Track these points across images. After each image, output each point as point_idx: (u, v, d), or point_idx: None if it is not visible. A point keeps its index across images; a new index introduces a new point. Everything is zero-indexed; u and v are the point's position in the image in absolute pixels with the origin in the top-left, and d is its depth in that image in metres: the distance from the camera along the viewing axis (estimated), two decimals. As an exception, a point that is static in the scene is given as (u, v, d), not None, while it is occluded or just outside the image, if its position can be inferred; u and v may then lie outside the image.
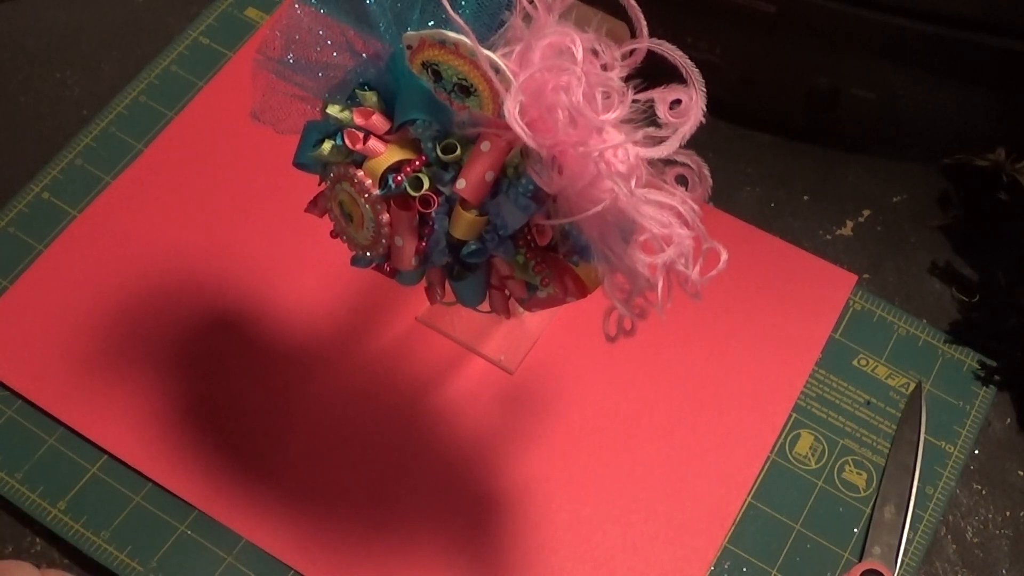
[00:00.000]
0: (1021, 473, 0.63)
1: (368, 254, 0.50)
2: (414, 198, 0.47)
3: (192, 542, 0.60)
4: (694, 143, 0.43)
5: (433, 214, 0.47)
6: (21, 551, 0.60)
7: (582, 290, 0.48)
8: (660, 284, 0.44)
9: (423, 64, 0.45)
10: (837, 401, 0.64)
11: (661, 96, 0.43)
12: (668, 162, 0.44)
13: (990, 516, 0.62)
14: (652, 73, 0.44)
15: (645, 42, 0.44)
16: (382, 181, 0.47)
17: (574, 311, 0.54)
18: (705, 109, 0.43)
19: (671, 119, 0.43)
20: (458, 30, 0.43)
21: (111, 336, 0.65)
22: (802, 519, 0.61)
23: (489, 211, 0.46)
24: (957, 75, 0.66)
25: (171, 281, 0.67)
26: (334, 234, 0.53)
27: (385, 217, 0.48)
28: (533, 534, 0.60)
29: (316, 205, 0.53)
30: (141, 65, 0.75)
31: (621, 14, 0.44)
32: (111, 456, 0.62)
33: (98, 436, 0.62)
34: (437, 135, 0.46)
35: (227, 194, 0.70)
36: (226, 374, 0.64)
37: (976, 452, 0.63)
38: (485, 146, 0.45)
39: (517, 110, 0.42)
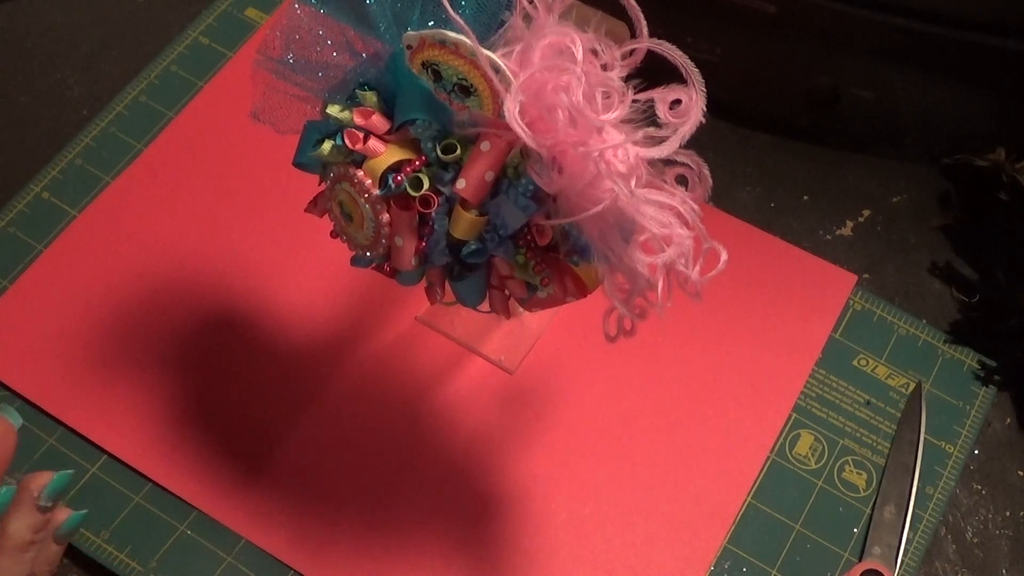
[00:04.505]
0: (1021, 473, 0.63)
1: (368, 254, 0.50)
2: (414, 198, 0.47)
3: (192, 542, 0.60)
4: (694, 143, 0.43)
5: (433, 214, 0.47)
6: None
7: (582, 290, 0.48)
8: (660, 284, 0.44)
9: (423, 64, 0.45)
10: (837, 401, 0.64)
11: (661, 96, 0.43)
12: (668, 162, 0.44)
13: (990, 516, 0.62)
14: (652, 73, 0.44)
15: (645, 42, 0.44)
16: (382, 181, 0.47)
17: (574, 311, 0.54)
18: (705, 109, 0.43)
19: (671, 119, 0.43)
20: (458, 30, 0.43)
21: (111, 336, 0.65)
22: (802, 519, 0.61)
23: (489, 211, 0.46)
24: (957, 75, 0.66)
25: (171, 281, 0.67)
26: (334, 234, 0.53)
27: (385, 217, 0.48)
28: (533, 534, 0.60)
29: (316, 205, 0.53)
30: (141, 65, 0.76)
31: (621, 14, 0.44)
32: (111, 456, 0.62)
33: (98, 436, 0.62)
34: (437, 135, 0.46)
35: (227, 194, 0.70)
36: (226, 374, 0.64)
37: (976, 452, 0.64)
38: (485, 146, 0.45)
39: (517, 110, 0.42)
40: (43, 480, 0.51)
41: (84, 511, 0.55)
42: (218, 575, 0.59)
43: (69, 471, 0.52)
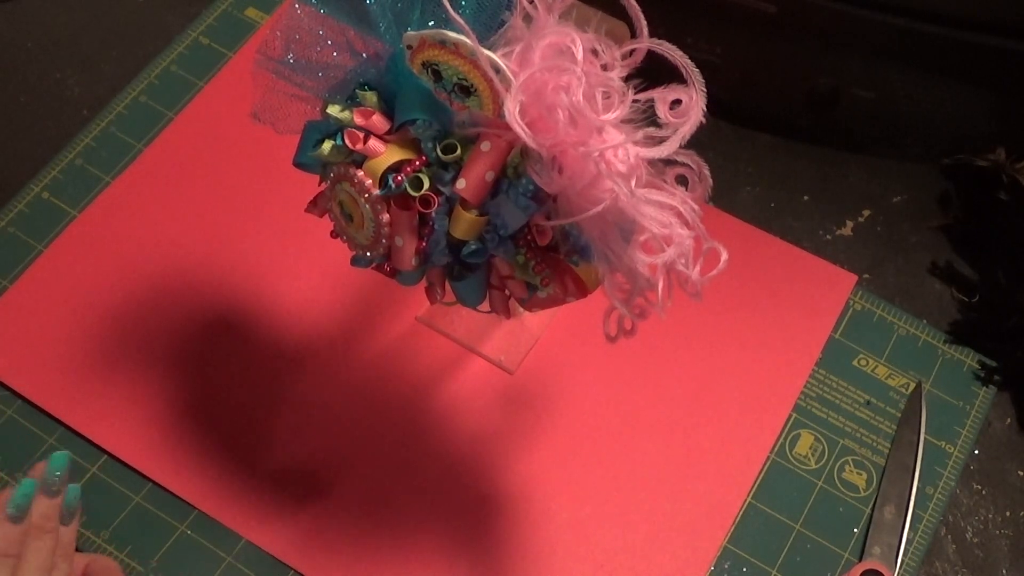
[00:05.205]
0: (1021, 473, 0.63)
1: (368, 254, 0.50)
2: (414, 198, 0.47)
3: (192, 542, 0.60)
4: (694, 143, 0.43)
5: (433, 214, 0.47)
6: (21, 551, 0.60)
7: (582, 290, 0.48)
8: (660, 284, 0.44)
9: (423, 64, 0.45)
10: (837, 401, 0.64)
11: (661, 96, 0.43)
12: (668, 162, 0.44)
13: (990, 516, 0.62)
14: (652, 73, 0.44)
15: (645, 42, 0.44)
16: (382, 181, 0.47)
17: (574, 311, 0.54)
18: (705, 109, 0.43)
19: (671, 119, 0.43)
20: (458, 30, 0.43)
21: (111, 336, 0.65)
22: (802, 519, 0.61)
23: (489, 211, 0.46)
24: (957, 75, 0.66)
25: (171, 281, 0.67)
26: (334, 234, 0.53)
27: (385, 217, 0.48)
28: (533, 534, 0.60)
29: (316, 205, 0.53)
30: (141, 65, 0.76)
31: (621, 14, 0.44)
32: (111, 456, 0.62)
33: (98, 436, 0.62)
34: (437, 135, 0.46)
35: (227, 194, 0.70)
36: (226, 374, 0.64)
37: (976, 452, 0.63)
38: (485, 146, 0.45)
39: (517, 110, 0.42)
40: (41, 466, 0.51)
41: (76, 484, 0.54)
42: (218, 575, 0.59)
43: (63, 452, 0.52)
